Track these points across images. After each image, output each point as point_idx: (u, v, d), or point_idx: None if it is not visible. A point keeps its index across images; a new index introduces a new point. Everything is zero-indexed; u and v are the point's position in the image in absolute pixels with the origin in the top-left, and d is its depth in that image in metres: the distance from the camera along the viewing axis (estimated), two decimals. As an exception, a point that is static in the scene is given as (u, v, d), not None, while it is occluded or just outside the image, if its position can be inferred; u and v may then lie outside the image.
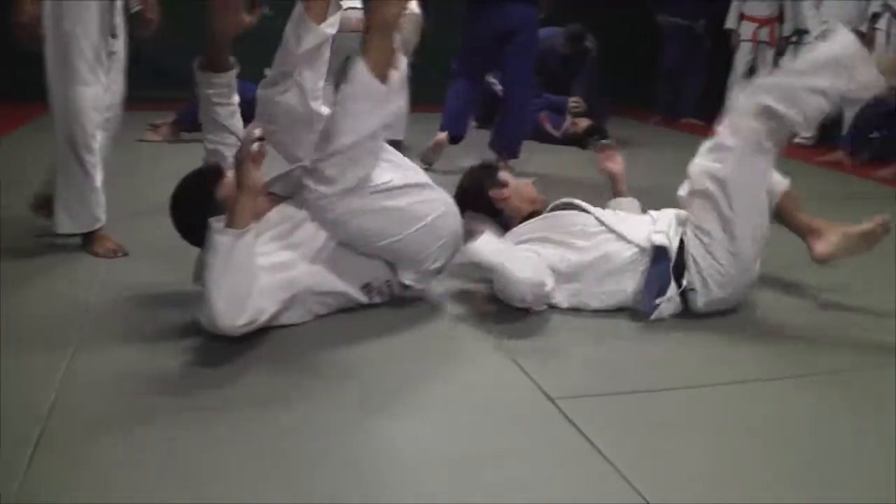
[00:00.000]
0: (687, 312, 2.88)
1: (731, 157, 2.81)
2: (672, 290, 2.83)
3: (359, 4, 5.43)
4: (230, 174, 2.55)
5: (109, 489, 1.71)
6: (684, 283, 2.83)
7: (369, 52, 2.52)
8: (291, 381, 2.24)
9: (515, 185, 3.13)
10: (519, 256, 2.80)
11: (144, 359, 2.33)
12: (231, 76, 2.84)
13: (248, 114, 6.05)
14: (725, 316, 2.91)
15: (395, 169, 2.65)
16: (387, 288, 2.76)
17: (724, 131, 2.86)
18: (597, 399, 2.24)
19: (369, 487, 1.78)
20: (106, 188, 3.27)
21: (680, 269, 2.84)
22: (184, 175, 2.67)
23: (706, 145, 2.92)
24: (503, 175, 3.15)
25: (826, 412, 2.27)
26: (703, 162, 2.90)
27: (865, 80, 2.75)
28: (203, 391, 2.16)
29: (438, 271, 2.82)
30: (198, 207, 2.53)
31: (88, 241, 3.27)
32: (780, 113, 2.75)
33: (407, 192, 2.62)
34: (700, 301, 2.84)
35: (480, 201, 3.09)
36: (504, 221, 3.09)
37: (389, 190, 2.57)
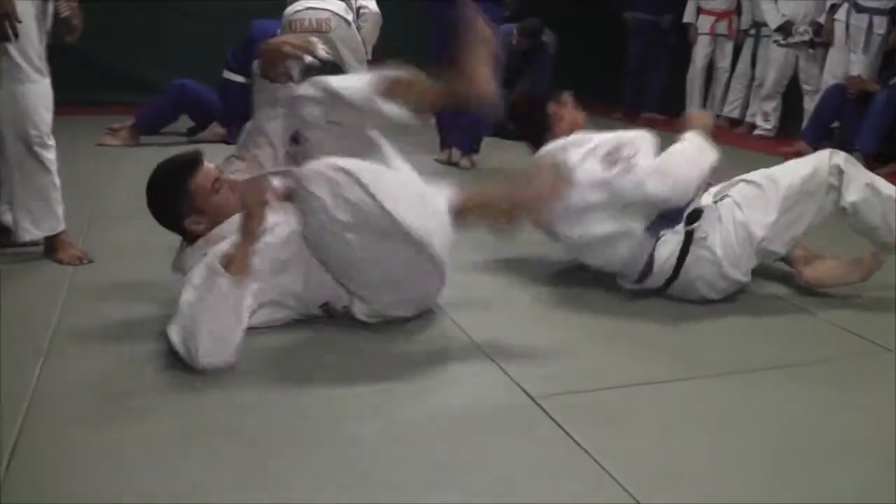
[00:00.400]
0: (669, 299, 2.92)
1: (801, 174, 2.91)
2: (681, 227, 2.86)
3: (316, 4, 5.39)
4: (209, 165, 2.54)
5: (88, 492, 1.67)
6: (695, 225, 2.85)
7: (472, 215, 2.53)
8: (270, 384, 2.19)
9: (573, 109, 3.14)
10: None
11: (120, 363, 2.29)
12: (282, 89, 2.75)
13: (208, 116, 6.03)
14: (707, 307, 2.90)
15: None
16: (342, 311, 2.62)
17: (810, 157, 3.00)
18: (579, 396, 2.21)
19: (353, 490, 1.74)
20: (66, 194, 3.20)
21: (693, 218, 2.87)
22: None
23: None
24: (566, 96, 3.15)
25: (815, 403, 2.26)
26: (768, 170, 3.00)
27: None
28: (182, 395, 2.12)
29: (399, 317, 2.65)
30: (171, 193, 2.49)
31: (52, 247, 3.18)
32: (842, 184, 2.89)
33: (396, 239, 2.37)
34: (703, 254, 2.85)
35: (532, 113, 3.13)
36: (540, 141, 3.09)
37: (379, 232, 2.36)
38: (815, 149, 6.38)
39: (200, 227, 2.51)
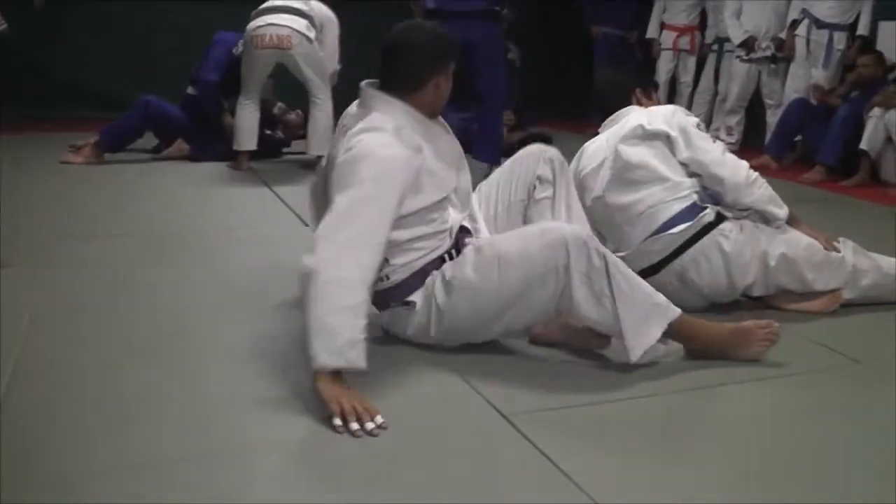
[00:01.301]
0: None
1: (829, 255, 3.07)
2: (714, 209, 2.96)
3: (278, 21, 5.38)
4: None
5: None
6: (729, 215, 2.96)
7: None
8: (240, 400, 2.17)
9: (655, 102, 3.31)
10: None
11: (86, 385, 2.26)
12: None
13: (173, 132, 5.97)
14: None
15: None
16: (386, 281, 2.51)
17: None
18: (552, 413, 2.20)
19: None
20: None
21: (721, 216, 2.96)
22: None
23: None
24: (652, 91, 3.38)
25: (787, 415, 2.28)
26: None
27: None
28: (149, 415, 2.09)
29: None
30: (447, 48, 2.53)
31: None
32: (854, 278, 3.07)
33: None
34: (721, 241, 2.92)
35: (620, 94, 3.27)
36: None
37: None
38: (779, 162, 6.54)
39: (431, 95, 2.50)
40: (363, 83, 2.52)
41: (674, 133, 3.00)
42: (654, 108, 3.16)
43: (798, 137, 6.75)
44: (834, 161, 6.05)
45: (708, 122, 7.99)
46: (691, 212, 2.95)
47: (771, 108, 7.26)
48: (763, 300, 3.07)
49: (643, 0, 8.46)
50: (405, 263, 2.50)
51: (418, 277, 2.52)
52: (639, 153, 3.01)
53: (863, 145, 5.85)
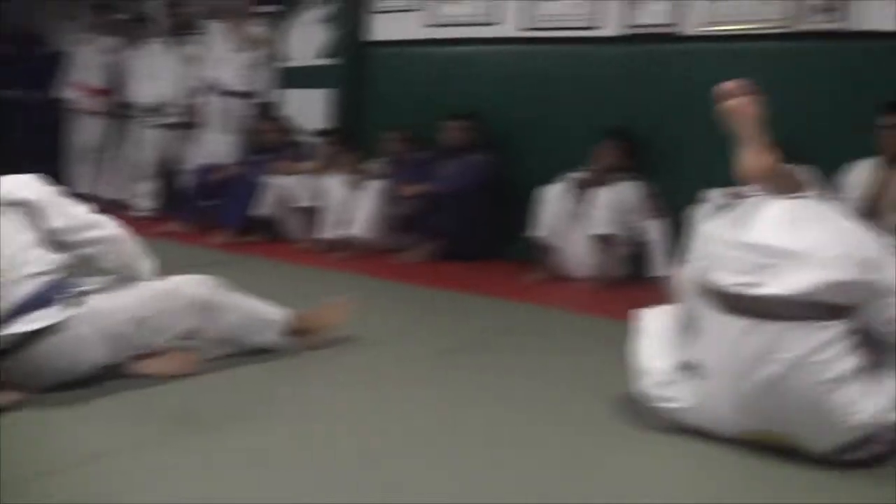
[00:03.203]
0: None
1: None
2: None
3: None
4: None
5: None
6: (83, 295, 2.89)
7: None
8: None
9: None
10: None
11: None
12: None
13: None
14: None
15: None
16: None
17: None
18: None
19: None
20: None
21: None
22: None
23: None
24: None
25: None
26: None
27: None
28: None
29: None
30: None
31: None
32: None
33: None
34: (84, 332, 2.83)
35: None
36: None
37: None
38: (188, 225, 6.59)
39: None
40: None
41: (40, 200, 2.87)
42: (9, 177, 2.90)
43: (207, 202, 6.84)
44: (238, 223, 6.29)
45: (123, 189, 7.75)
46: (44, 296, 2.77)
47: (182, 174, 7.30)
48: (122, 371, 2.95)
49: (54, 60, 8.18)
50: None
51: None
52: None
53: (262, 209, 6.26)
